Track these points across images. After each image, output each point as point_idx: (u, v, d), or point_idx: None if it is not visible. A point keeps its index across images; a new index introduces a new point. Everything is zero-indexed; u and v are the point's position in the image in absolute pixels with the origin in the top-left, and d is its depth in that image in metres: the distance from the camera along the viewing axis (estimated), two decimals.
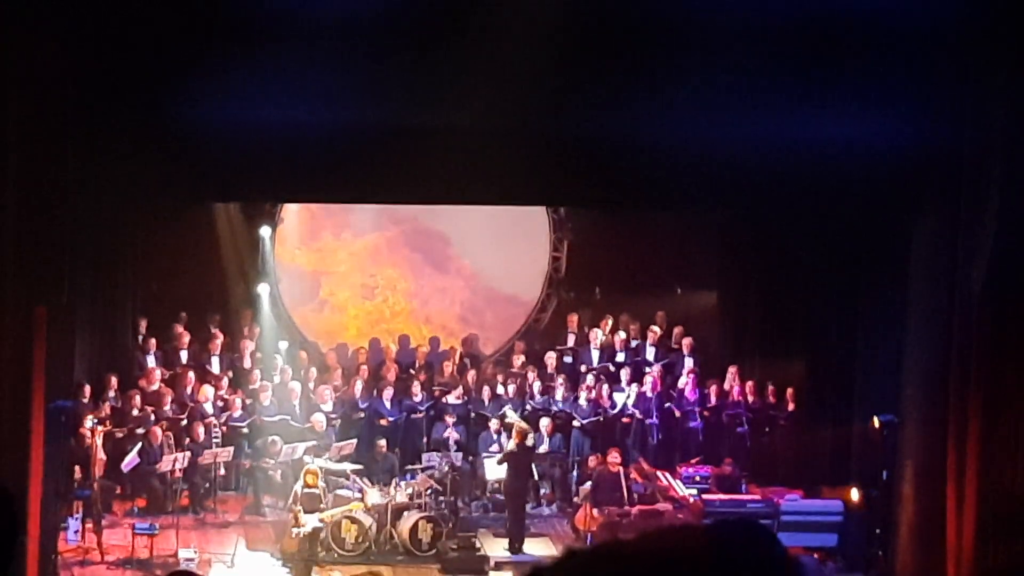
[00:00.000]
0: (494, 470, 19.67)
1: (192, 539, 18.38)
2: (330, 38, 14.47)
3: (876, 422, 17.95)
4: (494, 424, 20.40)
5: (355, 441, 20.04)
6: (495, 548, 18.58)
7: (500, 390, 21.35)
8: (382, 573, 16.63)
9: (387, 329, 23.37)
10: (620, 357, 22.28)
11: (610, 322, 22.76)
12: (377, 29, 14.51)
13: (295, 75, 14.66)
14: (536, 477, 19.86)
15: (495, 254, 23.46)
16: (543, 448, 20.28)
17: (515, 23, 14.38)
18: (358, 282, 23.47)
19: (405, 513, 18.38)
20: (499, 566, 18.08)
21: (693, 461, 20.14)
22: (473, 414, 21.14)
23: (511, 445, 18.97)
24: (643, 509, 18.65)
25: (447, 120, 15.14)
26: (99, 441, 18.14)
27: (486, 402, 21.11)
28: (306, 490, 17.82)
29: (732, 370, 21.39)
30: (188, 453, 19.29)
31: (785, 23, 14.64)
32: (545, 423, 20.51)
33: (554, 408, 21.14)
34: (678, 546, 2.07)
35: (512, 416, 19.79)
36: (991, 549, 15.09)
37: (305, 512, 17.65)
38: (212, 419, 20.22)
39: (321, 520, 17.72)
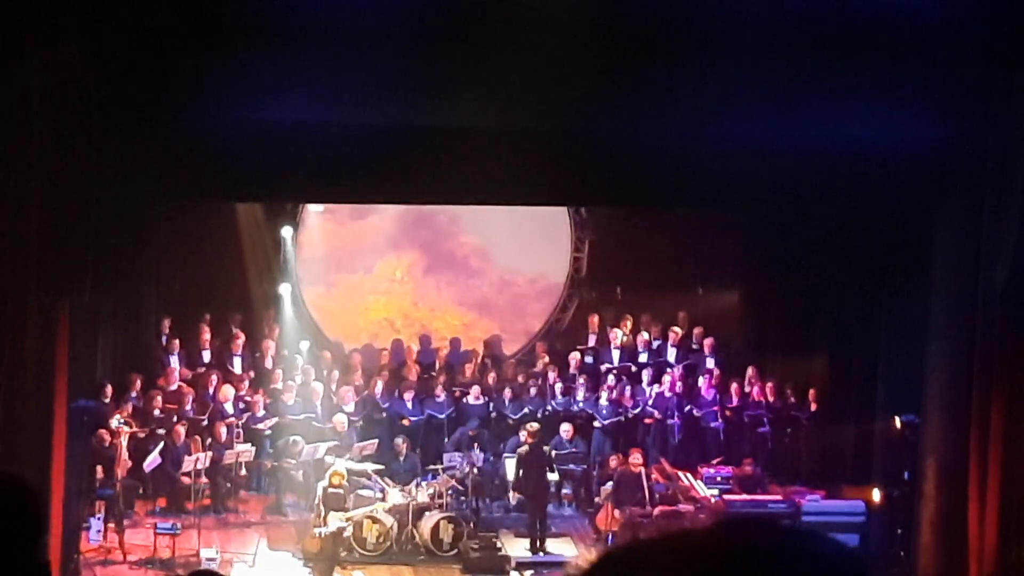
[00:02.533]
0: (515, 470, 19.63)
1: (214, 539, 18.43)
2: (353, 39, 14.43)
3: (898, 422, 17.94)
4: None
5: (376, 441, 20.03)
6: (516, 548, 18.57)
7: (521, 391, 21.34)
8: None
9: (396, 318, 23.34)
10: (642, 358, 22.26)
11: (631, 322, 22.73)
12: (399, 30, 14.48)
13: (318, 76, 14.64)
14: (557, 477, 19.83)
15: (517, 253, 23.46)
16: (564, 449, 20.24)
17: (537, 23, 14.33)
18: (373, 271, 23.46)
19: (427, 513, 18.40)
20: (520, 566, 18.08)
21: (714, 461, 20.12)
22: (494, 414, 21.12)
23: (525, 447, 18.94)
24: (664, 510, 18.61)
25: (469, 121, 15.11)
26: (124, 441, 18.19)
27: (507, 403, 21.09)
28: (331, 490, 17.82)
29: (753, 370, 21.35)
30: (210, 453, 19.32)
31: (808, 20, 14.57)
32: (566, 427, 20.47)
33: (575, 408, 21.12)
34: (727, 543, 2.02)
35: (531, 426, 19.70)
36: (1013, 549, 15.02)
37: (328, 512, 17.66)
38: (233, 419, 20.25)
39: (345, 520, 17.73)
